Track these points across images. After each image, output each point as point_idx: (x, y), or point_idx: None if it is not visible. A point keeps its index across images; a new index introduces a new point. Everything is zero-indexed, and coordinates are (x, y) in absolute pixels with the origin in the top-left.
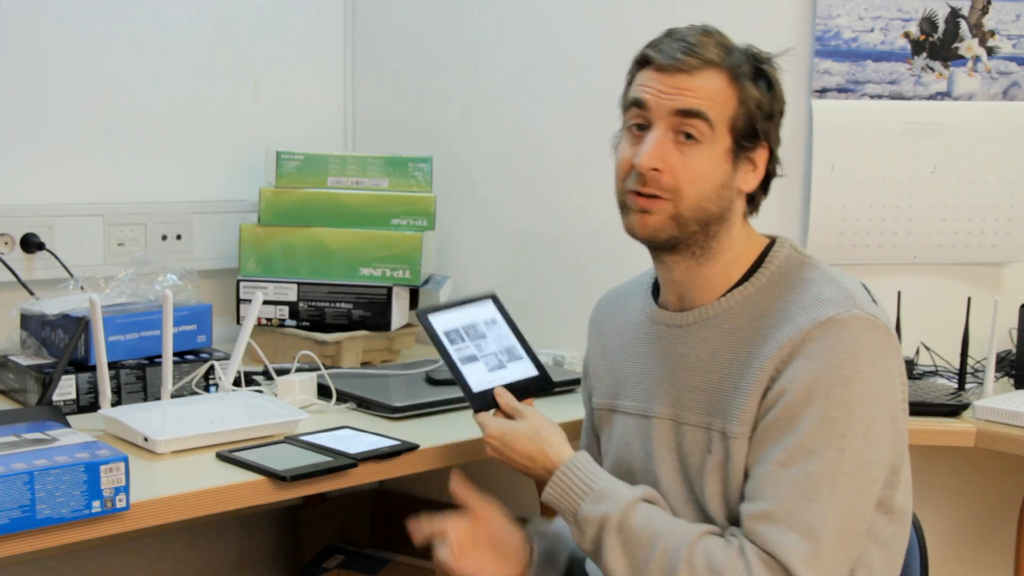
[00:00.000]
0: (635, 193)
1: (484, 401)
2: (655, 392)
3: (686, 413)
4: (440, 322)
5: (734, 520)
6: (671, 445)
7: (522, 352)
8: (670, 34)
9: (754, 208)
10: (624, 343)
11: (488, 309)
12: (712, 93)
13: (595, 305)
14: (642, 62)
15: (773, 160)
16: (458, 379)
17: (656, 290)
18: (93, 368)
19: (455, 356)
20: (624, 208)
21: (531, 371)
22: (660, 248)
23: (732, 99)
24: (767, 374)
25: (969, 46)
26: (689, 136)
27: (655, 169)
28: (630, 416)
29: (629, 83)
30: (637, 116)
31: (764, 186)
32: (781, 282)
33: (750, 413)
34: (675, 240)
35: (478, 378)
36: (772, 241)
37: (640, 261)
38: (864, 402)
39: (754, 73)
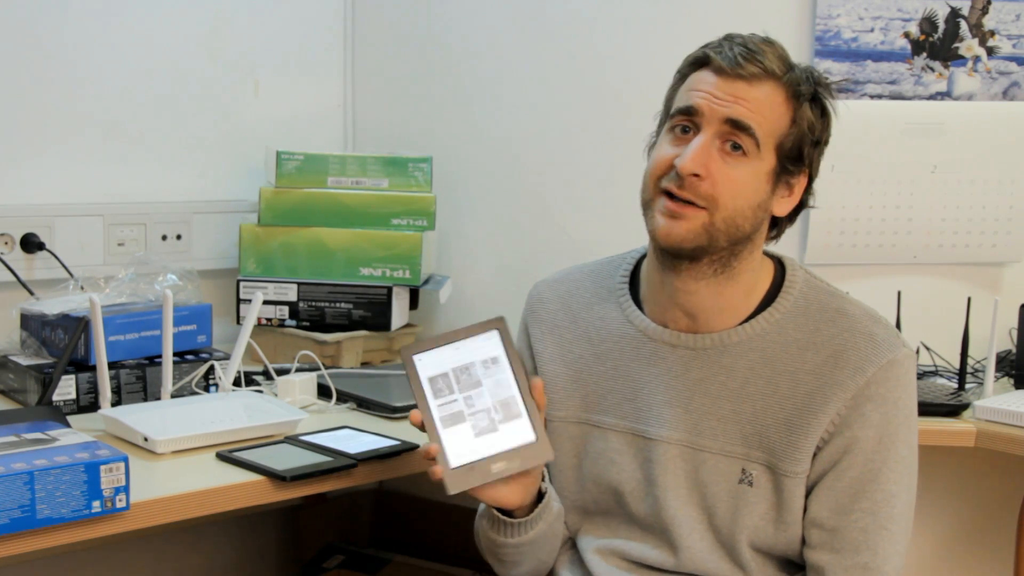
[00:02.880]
0: (667, 195)
1: (463, 480)
2: (659, 414)
3: (707, 441)
4: (427, 364)
5: (757, 548)
6: (684, 471)
7: (521, 407)
8: (730, 38)
9: (778, 234)
10: (599, 354)
11: (491, 344)
12: (766, 108)
13: (534, 298)
14: (699, 62)
15: (809, 190)
16: (435, 443)
17: (635, 297)
18: (93, 368)
19: (436, 416)
20: (649, 208)
21: (527, 435)
22: (681, 258)
23: (785, 117)
24: (828, 416)
25: (969, 46)
26: (736, 147)
27: (696, 175)
28: (615, 433)
29: (678, 83)
30: (684, 121)
31: (793, 214)
32: (809, 311)
33: (807, 452)
34: (702, 252)
35: (460, 447)
36: (778, 261)
37: None
38: (915, 435)
39: (812, 95)
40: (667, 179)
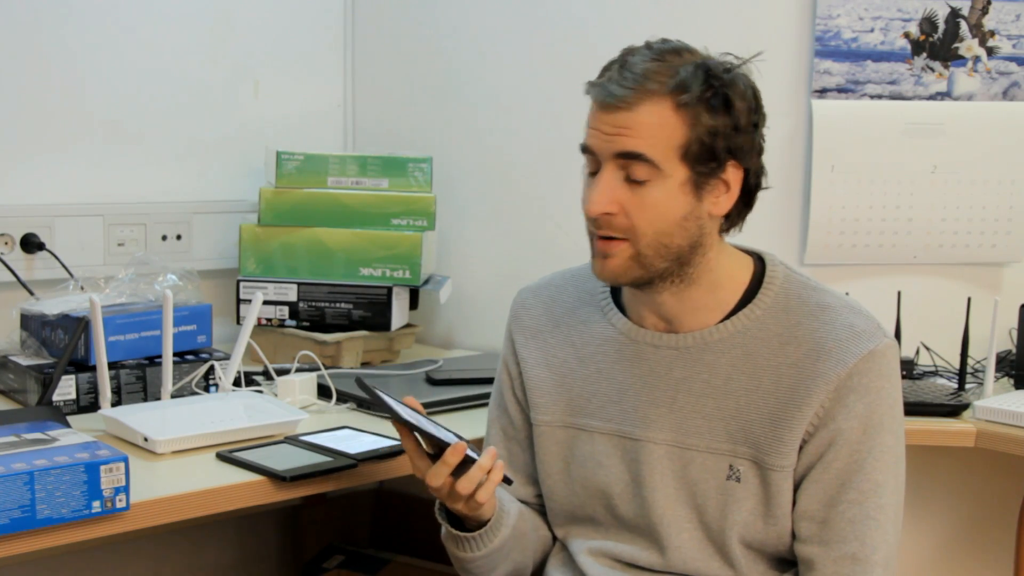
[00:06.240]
0: (598, 236)
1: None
2: (644, 415)
3: (693, 439)
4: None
5: (748, 544)
6: (672, 470)
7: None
8: (618, 58)
9: (731, 225)
10: (583, 358)
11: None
12: (655, 128)
13: (518, 305)
14: (591, 98)
15: (752, 175)
16: (435, 437)
17: (616, 300)
18: (93, 368)
19: (437, 433)
20: (592, 251)
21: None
22: (631, 286)
23: (679, 128)
24: (812, 408)
25: (969, 46)
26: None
27: (608, 213)
28: (602, 436)
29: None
30: (589, 161)
31: (747, 201)
32: (790, 306)
33: (792, 446)
34: (643, 279)
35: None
36: (758, 257)
37: None
38: (901, 424)
39: (705, 94)
40: (589, 223)
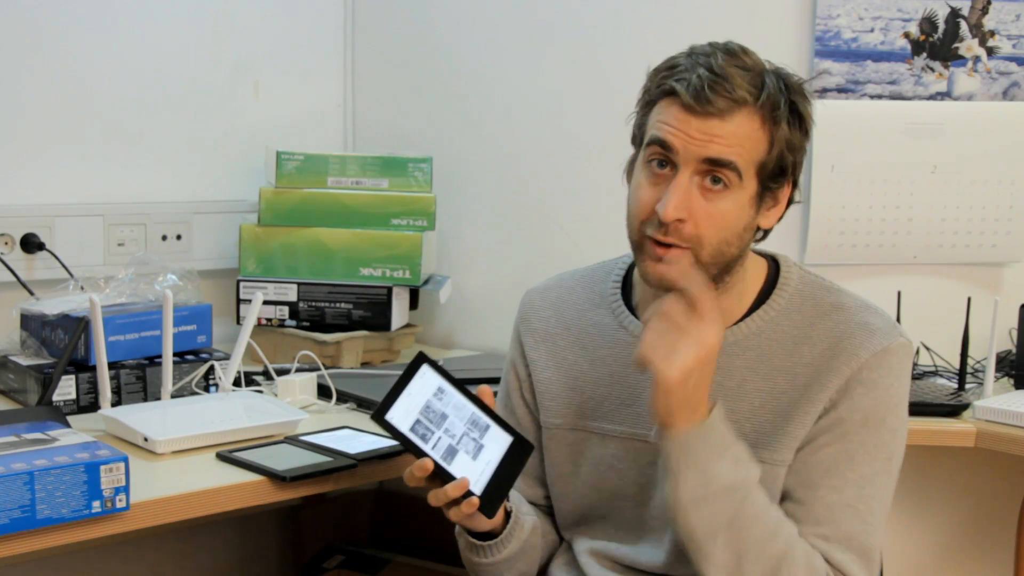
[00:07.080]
0: (653, 240)
1: (493, 500)
2: None
3: None
4: (400, 418)
5: None
6: None
7: (486, 419)
8: (693, 56)
9: (764, 236)
10: (594, 360)
11: (428, 378)
12: (743, 139)
13: (526, 306)
14: (666, 92)
15: (793, 192)
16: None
17: (627, 302)
18: (93, 368)
19: (437, 457)
20: (639, 250)
21: (506, 439)
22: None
23: (763, 142)
24: (822, 403)
25: (969, 46)
26: (716, 180)
27: (680, 220)
28: (614, 439)
29: (646, 109)
30: (659, 154)
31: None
32: (804, 307)
33: (798, 439)
34: None
35: (473, 474)
36: (772, 260)
37: None
38: (903, 423)
39: (787, 110)
40: (651, 226)
